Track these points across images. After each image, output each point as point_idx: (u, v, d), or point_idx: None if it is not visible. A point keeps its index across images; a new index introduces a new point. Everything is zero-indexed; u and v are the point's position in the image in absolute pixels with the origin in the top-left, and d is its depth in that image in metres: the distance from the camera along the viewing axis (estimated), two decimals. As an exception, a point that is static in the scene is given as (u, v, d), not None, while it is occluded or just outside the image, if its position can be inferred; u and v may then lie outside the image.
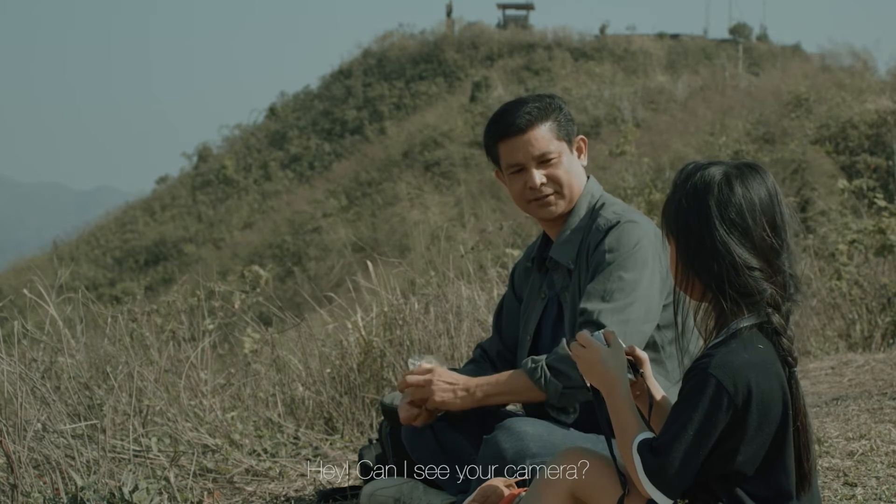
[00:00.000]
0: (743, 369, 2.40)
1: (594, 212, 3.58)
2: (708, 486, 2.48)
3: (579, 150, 3.65)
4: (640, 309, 3.37)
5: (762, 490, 2.48)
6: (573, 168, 3.60)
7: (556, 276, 3.61)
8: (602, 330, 2.66)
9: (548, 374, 3.32)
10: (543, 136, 3.54)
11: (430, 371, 3.48)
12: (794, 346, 2.48)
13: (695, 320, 2.59)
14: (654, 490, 2.44)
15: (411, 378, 3.49)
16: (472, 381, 3.46)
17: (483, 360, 3.86)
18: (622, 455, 2.52)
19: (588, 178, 3.67)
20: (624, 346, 2.64)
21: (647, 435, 2.48)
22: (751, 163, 2.57)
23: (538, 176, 3.54)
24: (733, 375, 2.40)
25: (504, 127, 3.56)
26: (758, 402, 2.41)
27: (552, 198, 3.57)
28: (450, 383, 3.45)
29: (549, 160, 3.54)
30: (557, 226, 3.63)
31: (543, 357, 3.38)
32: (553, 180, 3.56)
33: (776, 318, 2.47)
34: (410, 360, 3.60)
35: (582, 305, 3.38)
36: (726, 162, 2.57)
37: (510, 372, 3.46)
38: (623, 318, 3.33)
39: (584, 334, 2.64)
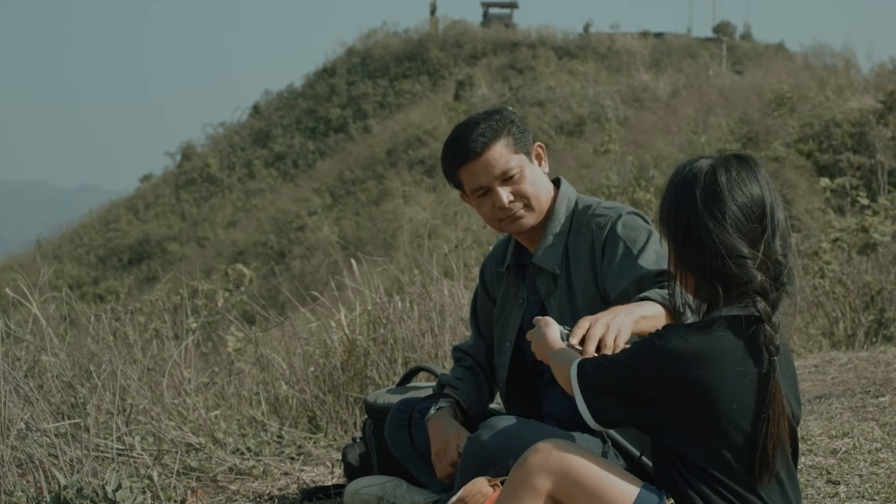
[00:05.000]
0: (685, 353, 2.45)
1: (577, 214, 3.54)
2: (678, 471, 2.53)
3: (538, 158, 3.59)
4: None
5: (725, 476, 2.50)
6: (537, 179, 3.55)
7: (541, 282, 3.57)
8: (535, 318, 2.88)
9: None
10: (501, 154, 3.47)
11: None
12: (777, 334, 2.47)
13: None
14: (580, 398, 2.58)
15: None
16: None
17: (476, 368, 3.82)
18: (561, 380, 2.67)
19: (560, 181, 3.62)
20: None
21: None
22: (740, 153, 2.59)
23: (505, 195, 3.49)
24: (674, 353, 2.46)
25: (461, 153, 3.49)
26: (694, 389, 2.45)
27: (522, 212, 3.52)
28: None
29: (512, 176, 3.48)
30: (534, 235, 3.59)
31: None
32: (520, 196, 3.51)
33: (761, 305, 2.47)
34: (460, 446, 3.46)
35: (638, 291, 3.24)
36: (716, 155, 2.60)
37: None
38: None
39: (544, 318, 2.86)
